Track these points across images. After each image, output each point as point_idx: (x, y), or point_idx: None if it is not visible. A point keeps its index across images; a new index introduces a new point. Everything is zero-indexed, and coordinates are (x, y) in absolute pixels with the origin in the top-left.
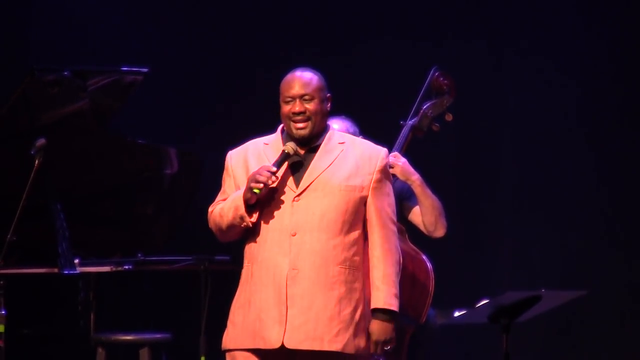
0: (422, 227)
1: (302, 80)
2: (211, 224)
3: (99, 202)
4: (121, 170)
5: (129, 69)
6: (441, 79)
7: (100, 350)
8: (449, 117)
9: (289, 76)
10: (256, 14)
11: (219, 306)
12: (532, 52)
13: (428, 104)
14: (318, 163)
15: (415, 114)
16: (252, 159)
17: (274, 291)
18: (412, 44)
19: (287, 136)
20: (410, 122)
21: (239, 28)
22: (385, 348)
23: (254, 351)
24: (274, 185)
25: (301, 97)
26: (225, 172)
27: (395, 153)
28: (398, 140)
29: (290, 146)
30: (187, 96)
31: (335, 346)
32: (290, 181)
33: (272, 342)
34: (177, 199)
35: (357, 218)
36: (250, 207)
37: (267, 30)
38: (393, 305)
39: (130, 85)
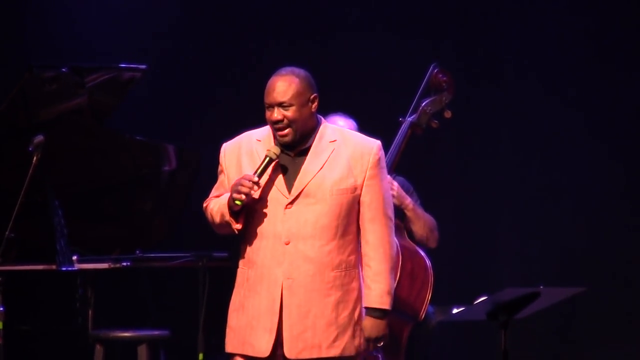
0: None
1: (280, 88)
2: (207, 218)
3: (97, 199)
4: (119, 167)
5: (128, 65)
6: (440, 75)
7: (98, 347)
8: (447, 114)
9: (269, 81)
10: (252, 10)
11: (217, 303)
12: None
13: (427, 101)
14: (309, 167)
15: (414, 110)
16: (245, 157)
17: (267, 300)
18: (411, 40)
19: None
20: (409, 119)
21: (235, 24)
22: (378, 345)
23: (248, 358)
24: (256, 194)
25: (279, 104)
26: (219, 167)
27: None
28: (397, 137)
29: (273, 151)
30: (185, 92)
31: (334, 352)
32: (282, 186)
33: (261, 350)
34: (175, 195)
35: (352, 218)
36: (235, 214)
37: (264, 25)
38: (385, 303)
39: (128, 82)
